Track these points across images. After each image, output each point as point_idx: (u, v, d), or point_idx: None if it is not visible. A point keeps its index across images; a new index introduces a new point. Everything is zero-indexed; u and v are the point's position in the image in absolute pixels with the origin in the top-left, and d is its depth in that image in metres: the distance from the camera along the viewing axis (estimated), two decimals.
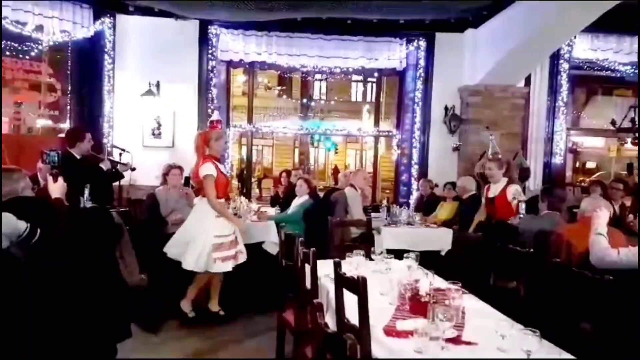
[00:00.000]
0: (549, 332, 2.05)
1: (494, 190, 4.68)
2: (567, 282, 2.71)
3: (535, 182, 7.49)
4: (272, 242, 5.29)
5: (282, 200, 6.35)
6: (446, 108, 7.43)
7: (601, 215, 3.30)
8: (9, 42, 5.87)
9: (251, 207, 5.74)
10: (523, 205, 4.38)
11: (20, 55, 6.09)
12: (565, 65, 7.56)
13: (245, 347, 4.07)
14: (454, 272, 3.25)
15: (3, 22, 5.60)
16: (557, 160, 7.68)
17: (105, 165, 5.19)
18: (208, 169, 4.20)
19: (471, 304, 2.63)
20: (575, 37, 7.27)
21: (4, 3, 5.60)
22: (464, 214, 5.68)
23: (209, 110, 7.12)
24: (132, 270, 3.95)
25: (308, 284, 2.97)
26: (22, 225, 2.59)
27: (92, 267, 2.97)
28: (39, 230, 2.65)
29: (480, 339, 2.14)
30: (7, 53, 6.00)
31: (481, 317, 2.42)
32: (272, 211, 5.95)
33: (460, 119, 7.38)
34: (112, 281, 3.21)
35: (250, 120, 7.89)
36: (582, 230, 3.63)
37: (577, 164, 12.45)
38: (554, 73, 7.57)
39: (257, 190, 12.42)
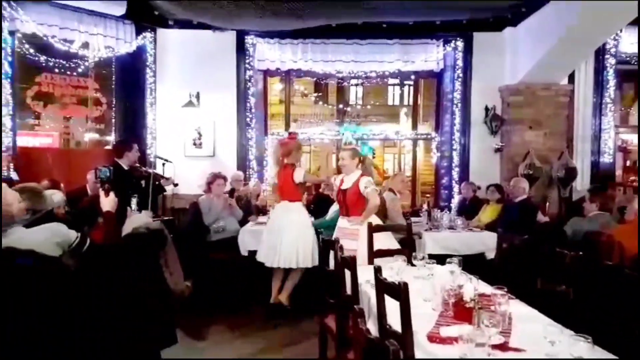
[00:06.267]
0: (601, 337, 1.97)
1: (347, 182, 4.53)
2: (619, 285, 2.60)
3: (582, 182, 7.22)
4: None
5: (312, 208, 6.37)
6: (487, 108, 7.28)
7: None
8: (57, 60, 6.14)
9: None
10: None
11: (69, 72, 6.34)
12: (612, 60, 7.28)
13: (288, 352, 4.09)
14: (499, 277, 3.17)
15: (52, 40, 5.88)
16: (606, 159, 7.38)
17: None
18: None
19: (518, 309, 2.56)
20: (621, 30, 7.00)
21: (50, 22, 5.88)
22: (511, 217, 5.51)
23: (247, 119, 7.24)
24: (177, 278, 4.04)
25: (348, 290, 2.96)
26: (73, 235, 2.69)
27: (138, 275, 3.06)
28: (88, 240, 2.74)
29: (528, 345, 2.08)
30: (57, 70, 6.26)
31: (529, 323, 2.34)
32: None
33: (502, 119, 7.21)
34: (157, 288, 3.29)
35: (287, 127, 7.95)
36: (635, 231, 3.48)
37: (628, 163, 11.91)
38: (599, 69, 7.30)
39: None
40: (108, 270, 2.80)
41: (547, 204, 6.89)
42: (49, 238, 2.57)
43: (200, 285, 4.88)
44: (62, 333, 2.00)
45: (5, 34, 5.55)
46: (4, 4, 5.50)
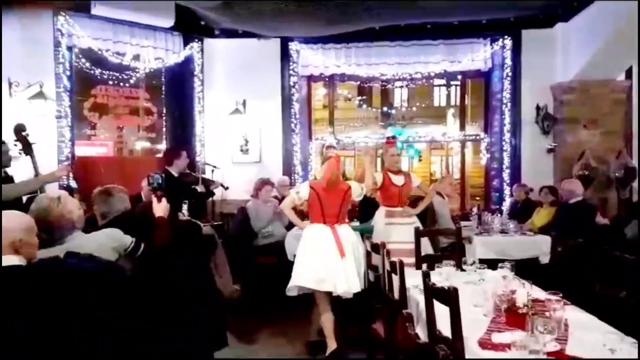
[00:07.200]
0: None
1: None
2: None
3: None
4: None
5: (358, 212, 6.35)
6: (538, 108, 7.04)
7: None
8: (111, 72, 6.41)
9: None
10: None
11: (121, 84, 6.63)
12: None
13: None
14: (554, 282, 3.05)
15: (106, 54, 6.17)
16: None
17: (200, 189, 5.54)
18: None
19: (574, 315, 2.45)
20: None
21: (104, 36, 6.17)
22: (566, 220, 5.31)
23: (292, 125, 7.32)
24: (226, 281, 4.14)
25: (396, 295, 2.93)
26: (128, 240, 2.80)
27: (189, 278, 3.14)
28: (142, 244, 2.84)
29: (587, 353, 1.98)
30: (110, 82, 6.56)
31: (587, 330, 2.24)
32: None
33: (554, 118, 6.96)
34: (208, 291, 3.37)
35: (331, 132, 7.98)
36: None
37: None
38: None
39: None
40: (161, 274, 2.89)
41: (606, 205, 6.58)
42: (106, 243, 2.68)
43: (249, 289, 4.97)
44: (115, 334, 2.06)
45: (63, 49, 5.87)
46: (62, 20, 5.82)
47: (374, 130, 13.07)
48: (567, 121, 6.83)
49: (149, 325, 2.58)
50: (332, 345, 3.95)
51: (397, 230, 4.51)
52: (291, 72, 7.31)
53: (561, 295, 2.40)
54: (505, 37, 7.11)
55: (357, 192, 4.32)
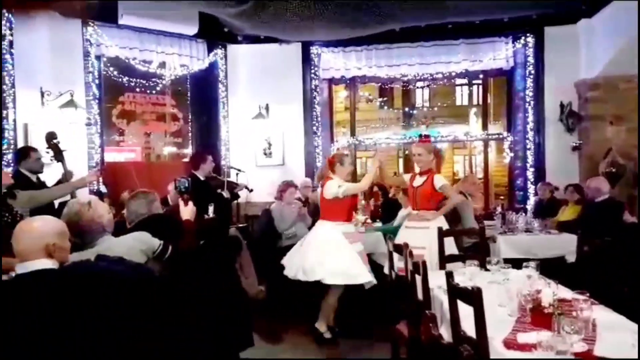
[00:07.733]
0: None
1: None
2: None
3: None
4: (381, 253, 5.29)
5: (380, 213, 6.37)
6: (562, 105, 6.94)
7: None
8: (138, 80, 6.58)
9: (358, 219, 5.80)
10: None
11: (148, 91, 6.80)
12: None
13: (362, 357, 4.11)
14: (581, 282, 3.02)
15: (133, 62, 6.33)
16: None
17: (226, 194, 5.64)
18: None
19: (603, 315, 2.41)
20: None
21: (131, 45, 6.33)
22: (593, 218, 5.23)
23: (314, 128, 7.37)
24: (252, 282, 4.21)
25: (420, 295, 2.94)
26: (156, 243, 2.87)
27: (215, 280, 3.20)
28: (170, 247, 2.92)
29: (616, 354, 1.94)
30: (137, 90, 6.74)
31: (616, 331, 2.21)
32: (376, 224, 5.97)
33: (579, 115, 6.85)
34: (234, 292, 3.43)
35: (353, 133, 8.01)
36: None
37: None
38: None
39: (362, 202, 12.47)
40: (188, 275, 2.96)
41: (634, 203, 6.43)
42: (134, 246, 2.75)
43: (273, 290, 5.03)
44: (142, 334, 2.12)
45: (92, 58, 6.04)
46: (90, 31, 5.99)
47: (395, 131, 13.06)
48: (592, 118, 6.71)
49: (176, 326, 2.65)
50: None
51: (407, 234, 4.36)
52: (312, 75, 7.37)
53: (588, 294, 2.37)
54: (528, 34, 7.04)
55: (328, 190, 4.30)
